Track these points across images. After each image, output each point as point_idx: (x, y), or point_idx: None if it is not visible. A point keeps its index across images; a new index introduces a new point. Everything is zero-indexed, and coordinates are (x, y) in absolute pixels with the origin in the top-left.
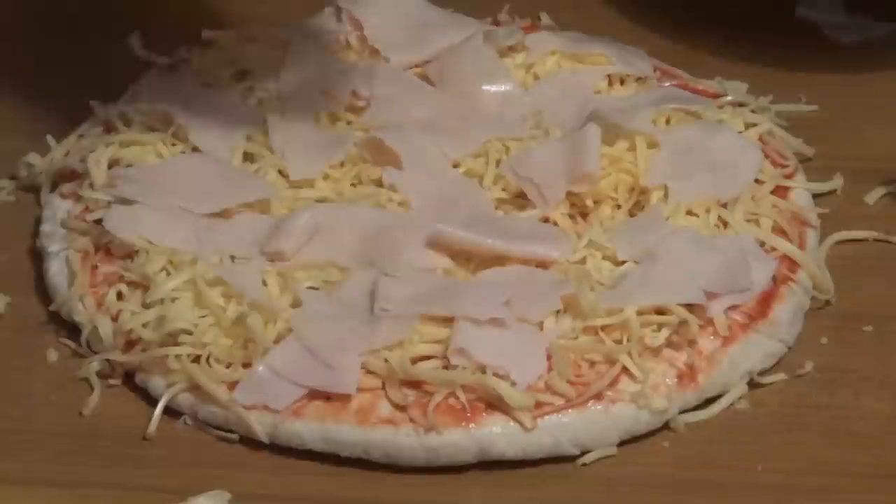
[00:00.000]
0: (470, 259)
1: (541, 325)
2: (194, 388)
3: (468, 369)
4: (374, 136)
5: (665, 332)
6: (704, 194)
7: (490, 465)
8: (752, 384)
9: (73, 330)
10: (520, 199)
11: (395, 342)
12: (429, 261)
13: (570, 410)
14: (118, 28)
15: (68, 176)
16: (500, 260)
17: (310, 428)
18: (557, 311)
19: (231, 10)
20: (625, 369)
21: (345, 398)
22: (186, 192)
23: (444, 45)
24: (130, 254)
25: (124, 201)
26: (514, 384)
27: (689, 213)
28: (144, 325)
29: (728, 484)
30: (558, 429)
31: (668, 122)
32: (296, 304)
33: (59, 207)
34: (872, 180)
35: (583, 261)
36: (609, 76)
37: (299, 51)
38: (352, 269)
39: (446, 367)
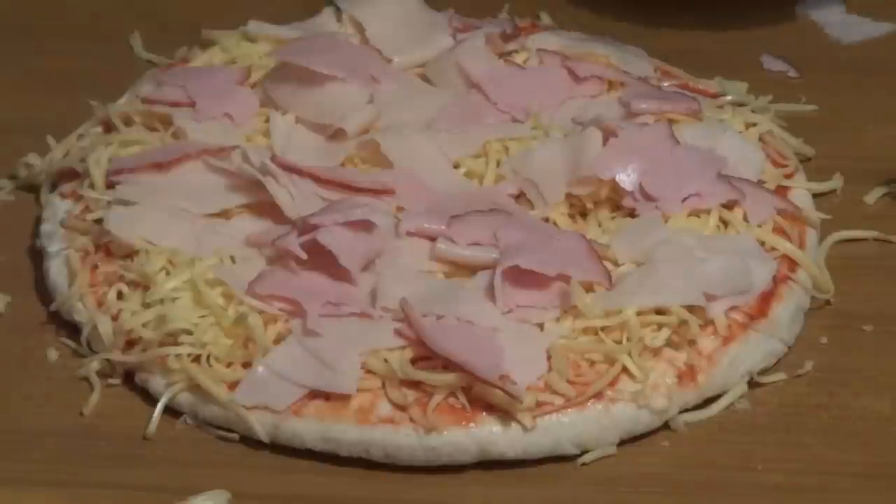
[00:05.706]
0: None
1: (541, 326)
2: (194, 387)
3: None
4: (373, 138)
5: (665, 333)
6: None
7: (490, 465)
8: (752, 384)
9: (73, 330)
10: (520, 200)
11: (395, 342)
12: (429, 263)
13: (569, 410)
14: (118, 28)
15: (68, 176)
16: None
17: (310, 428)
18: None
19: (231, 10)
20: (625, 369)
21: (345, 398)
22: (186, 192)
23: (444, 45)
24: (130, 254)
25: (124, 201)
26: (514, 384)
27: (690, 213)
28: (144, 325)
29: (728, 484)
30: (558, 428)
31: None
32: None
33: (59, 207)
34: (872, 180)
35: None
36: None
37: None
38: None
39: (446, 367)
